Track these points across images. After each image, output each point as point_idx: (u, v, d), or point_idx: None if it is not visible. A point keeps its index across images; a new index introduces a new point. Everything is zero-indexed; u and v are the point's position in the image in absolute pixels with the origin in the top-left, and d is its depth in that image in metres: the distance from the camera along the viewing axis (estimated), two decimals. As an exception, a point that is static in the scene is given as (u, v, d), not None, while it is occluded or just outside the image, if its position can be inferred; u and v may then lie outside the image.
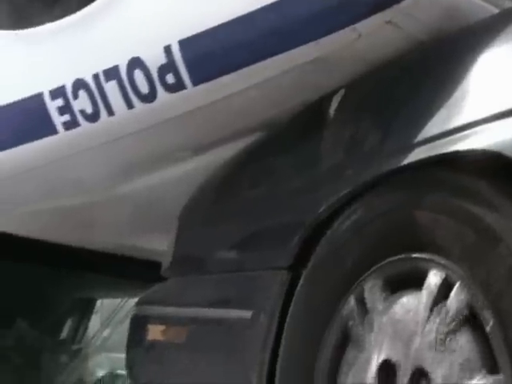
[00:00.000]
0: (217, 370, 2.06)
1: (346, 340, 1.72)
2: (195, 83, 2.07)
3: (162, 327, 2.30)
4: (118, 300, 4.21)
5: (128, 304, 4.04)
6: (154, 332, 2.33)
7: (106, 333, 4.15)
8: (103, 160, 2.40)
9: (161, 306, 2.40)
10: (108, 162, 2.42)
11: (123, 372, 4.02)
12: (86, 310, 4.31)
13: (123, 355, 3.87)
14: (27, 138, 2.43)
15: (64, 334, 4.28)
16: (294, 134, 2.13)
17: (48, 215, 2.73)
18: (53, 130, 2.34)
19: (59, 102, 2.30)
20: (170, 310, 2.33)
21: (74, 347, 4.21)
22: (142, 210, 2.68)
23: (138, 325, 2.45)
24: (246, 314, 1.94)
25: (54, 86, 2.31)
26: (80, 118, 2.28)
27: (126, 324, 3.80)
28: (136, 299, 3.80)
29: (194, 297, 2.26)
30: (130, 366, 2.50)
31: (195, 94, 2.10)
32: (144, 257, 3.22)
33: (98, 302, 4.37)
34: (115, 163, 2.43)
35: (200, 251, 2.33)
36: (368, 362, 1.61)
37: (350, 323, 1.69)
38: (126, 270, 3.33)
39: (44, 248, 3.05)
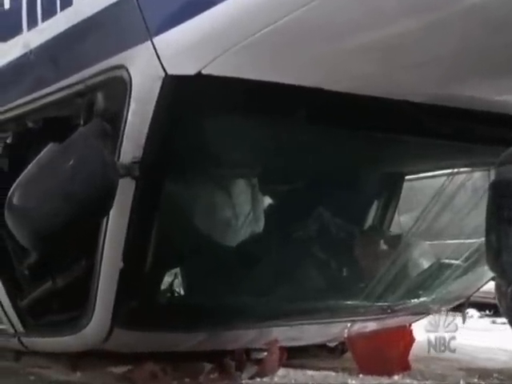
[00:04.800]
0: None
1: None
2: None
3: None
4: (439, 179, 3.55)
5: (454, 181, 3.38)
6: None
7: (428, 217, 3.50)
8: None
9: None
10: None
11: (451, 261, 3.52)
12: (393, 189, 3.74)
13: (450, 241, 3.34)
14: None
15: (371, 219, 3.75)
16: None
17: (362, 57, 2.19)
18: None
19: None
20: None
21: (391, 234, 3.63)
22: (492, 36, 2.08)
23: (509, 193, 1.86)
24: None
25: None
26: None
27: (454, 204, 3.31)
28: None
29: None
30: (495, 250, 1.93)
31: None
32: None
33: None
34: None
35: None
36: None
37: None
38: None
39: (349, 107, 2.52)
